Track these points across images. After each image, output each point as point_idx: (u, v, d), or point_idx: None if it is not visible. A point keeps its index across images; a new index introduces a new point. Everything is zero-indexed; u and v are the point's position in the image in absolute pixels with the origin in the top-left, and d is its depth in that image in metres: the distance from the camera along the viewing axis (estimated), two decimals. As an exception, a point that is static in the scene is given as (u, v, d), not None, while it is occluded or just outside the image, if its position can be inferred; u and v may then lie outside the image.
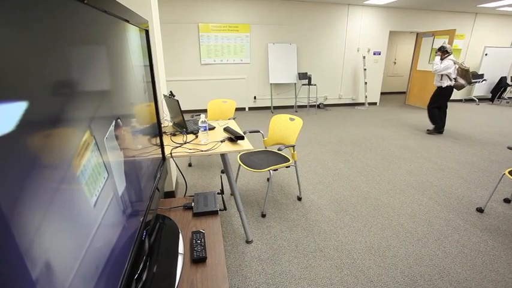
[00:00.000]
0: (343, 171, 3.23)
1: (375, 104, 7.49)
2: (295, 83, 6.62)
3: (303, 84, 6.52)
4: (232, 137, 1.82)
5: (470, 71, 4.51)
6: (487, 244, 1.98)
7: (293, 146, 2.41)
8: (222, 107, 3.62)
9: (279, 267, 1.77)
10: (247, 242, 2.00)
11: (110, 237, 0.64)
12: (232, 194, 1.92)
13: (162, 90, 2.47)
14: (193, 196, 1.35)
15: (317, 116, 6.22)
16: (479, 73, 7.65)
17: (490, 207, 2.45)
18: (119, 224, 0.70)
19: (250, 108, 6.85)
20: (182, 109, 1.93)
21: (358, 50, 6.88)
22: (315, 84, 6.51)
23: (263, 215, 2.33)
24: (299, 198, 2.60)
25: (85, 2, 0.58)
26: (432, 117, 4.70)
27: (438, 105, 4.59)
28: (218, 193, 1.40)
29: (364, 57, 6.74)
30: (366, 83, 6.87)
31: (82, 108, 0.56)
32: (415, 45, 7.30)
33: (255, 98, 6.77)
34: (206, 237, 1.07)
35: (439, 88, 4.45)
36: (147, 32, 1.18)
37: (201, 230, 1.08)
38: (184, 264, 0.94)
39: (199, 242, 1.02)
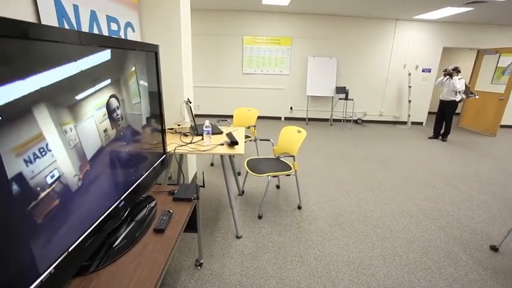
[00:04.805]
0: (355, 188, 3.21)
1: (420, 123, 6.97)
2: (332, 97, 6.60)
3: (340, 99, 6.46)
4: (229, 141, 2.08)
5: None
6: (485, 284, 1.85)
7: (293, 156, 2.56)
8: (247, 114, 3.92)
9: (257, 263, 1.95)
10: (237, 237, 2.22)
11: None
12: (228, 192, 2.16)
13: (188, 95, 2.86)
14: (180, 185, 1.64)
15: (351, 131, 6.10)
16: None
17: (507, 247, 2.23)
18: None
19: (286, 118, 7.03)
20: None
21: (404, 66, 6.53)
22: (352, 99, 6.39)
23: (259, 217, 2.52)
24: (299, 207, 2.72)
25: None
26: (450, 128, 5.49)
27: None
28: (200, 186, 1.66)
29: (409, 74, 6.37)
30: (409, 101, 6.47)
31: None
32: (474, 63, 6.62)
33: (291, 108, 6.94)
34: (173, 217, 1.34)
35: (454, 101, 5.23)
36: (156, 53, 1.52)
37: (170, 210, 1.36)
38: (148, 231, 1.22)
39: (164, 218, 1.30)
